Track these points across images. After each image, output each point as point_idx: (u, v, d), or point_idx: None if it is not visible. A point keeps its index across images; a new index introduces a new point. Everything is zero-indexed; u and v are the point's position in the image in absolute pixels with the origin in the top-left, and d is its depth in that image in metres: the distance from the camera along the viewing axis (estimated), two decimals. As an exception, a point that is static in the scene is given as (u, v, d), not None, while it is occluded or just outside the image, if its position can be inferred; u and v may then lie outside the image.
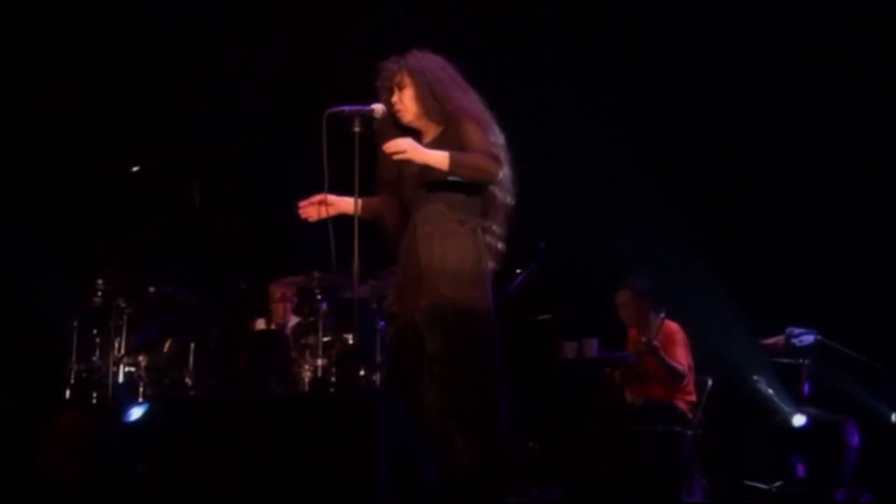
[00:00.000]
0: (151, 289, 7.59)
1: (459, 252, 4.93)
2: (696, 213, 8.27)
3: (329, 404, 4.40)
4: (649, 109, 8.38)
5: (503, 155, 4.95)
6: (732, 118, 8.30)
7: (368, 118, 4.97)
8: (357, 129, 4.91)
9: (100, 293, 7.38)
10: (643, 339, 7.38)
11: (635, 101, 8.37)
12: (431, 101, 4.98)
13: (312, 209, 5.15)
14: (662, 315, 7.38)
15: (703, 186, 8.38)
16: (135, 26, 8.36)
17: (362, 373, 7.36)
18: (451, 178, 4.82)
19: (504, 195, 5.07)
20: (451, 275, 4.87)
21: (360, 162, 4.88)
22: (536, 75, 8.28)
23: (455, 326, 4.82)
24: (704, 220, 8.29)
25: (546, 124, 8.10)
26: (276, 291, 8.43)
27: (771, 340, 7.64)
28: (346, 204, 5.14)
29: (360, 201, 5.03)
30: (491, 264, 5.05)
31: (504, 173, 5.01)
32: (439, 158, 4.79)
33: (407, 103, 5.03)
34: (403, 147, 4.81)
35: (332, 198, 5.12)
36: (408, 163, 4.95)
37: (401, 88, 5.01)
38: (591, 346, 7.53)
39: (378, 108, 5.00)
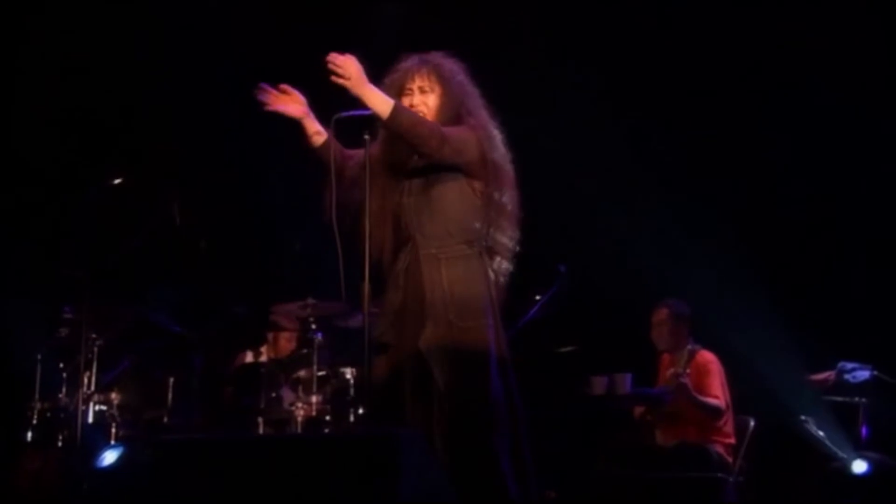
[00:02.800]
0: (126, 317, 7.31)
1: (467, 276, 4.65)
2: (739, 233, 7.76)
3: (341, 447, 3.88)
4: (689, 115, 7.92)
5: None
6: (788, 131, 7.84)
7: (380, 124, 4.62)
8: (368, 135, 4.59)
9: (68, 322, 7.07)
10: (670, 372, 6.87)
11: (672, 106, 7.92)
12: (454, 114, 4.70)
13: (275, 97, 4.70)
14: (690, 348, 6.94)
15: (749, 203, 7.94)
16: (120, 32, 8.04)
17: (360, 411, 7.01)
18: (386, 129, 4.55)
19: (508, 240, 4.80)
20: (459, 302, 4.59)
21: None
22: (553, 75, 7.87)
23: (468, 359, 4.53)
24: (748, 241, 7.74)
25: (567, 127, 7.73)
26: (282, 320, 7.92)
27: (820, 376, 7.07)
28: (313, 124, 4.73)
29: (330, 139, 4.68)
30: (501, 284, 4.80)
31: (504, 200, 4.76)
32: (381, 103, 4.45)
33: (432, 108, 4.71)
34: (349, 72, 4.39)
35: (300, 103, 4.72)
36: (410, 175, 4.74)
37: (423, 93, 4.71)
38: (624, 382, 6.91)
39: None
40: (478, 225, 4.68)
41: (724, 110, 7.83)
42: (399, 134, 4.52)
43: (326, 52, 4.39)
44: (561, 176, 7.48)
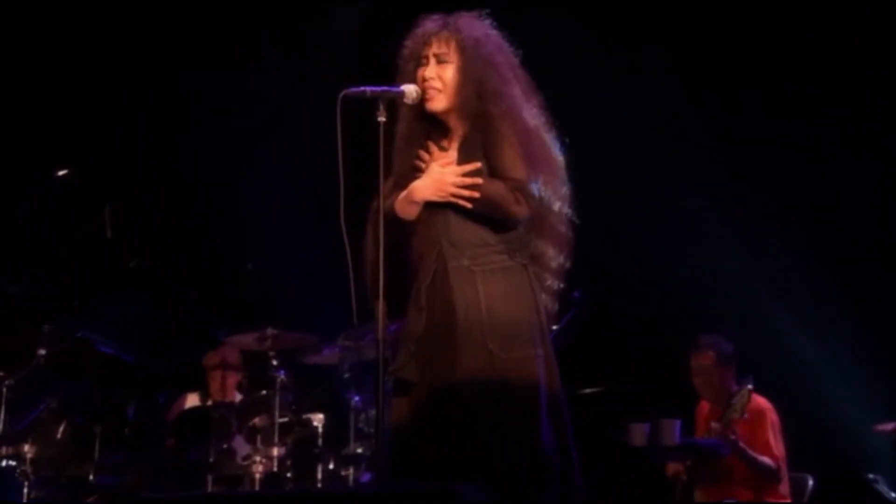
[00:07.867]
0: (42, 351, 6.70)
1: (510, 293, 4.17)
2: (798, 258, 7.25)
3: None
4: (751, 115, 7.38)
5: (542, 180, 4.29)
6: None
7: (397, 103, 4.30)
8: (382, 117, 4.19)
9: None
10: (714, 425, 6.10)
11: (734, 106, 7.40)
12: (474, 93, 4.24)
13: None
14: (750, 388, 6.09)
15: (812, 228, 7.33)
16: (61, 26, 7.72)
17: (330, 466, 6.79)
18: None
19: (558, 219, 4.35)
20: (501, 326, 4.11)
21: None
22: (595, 70, 7.40)
23: (513, 401, 4.05)
24: (808, 265, 7.22)
25: (595, 128, 7.03)
26: (213, 357, 7.60)
27: (889, 426, 6.46)
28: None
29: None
30: (549, 304, 4.31)
31: (550, 200, 4.34)
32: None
33: (448, 84, 4.25)
34: (443, 178, 4.16)
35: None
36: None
37: (440, 62, 4.28)
38: (672, 430, 6.21)
39: (410, 90, 4.26)
40: (521, 228, 4.19)
41: (799, 116, 7.32)
42: (480, 214, 4.17)
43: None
44: (589, 184, 6.83)
